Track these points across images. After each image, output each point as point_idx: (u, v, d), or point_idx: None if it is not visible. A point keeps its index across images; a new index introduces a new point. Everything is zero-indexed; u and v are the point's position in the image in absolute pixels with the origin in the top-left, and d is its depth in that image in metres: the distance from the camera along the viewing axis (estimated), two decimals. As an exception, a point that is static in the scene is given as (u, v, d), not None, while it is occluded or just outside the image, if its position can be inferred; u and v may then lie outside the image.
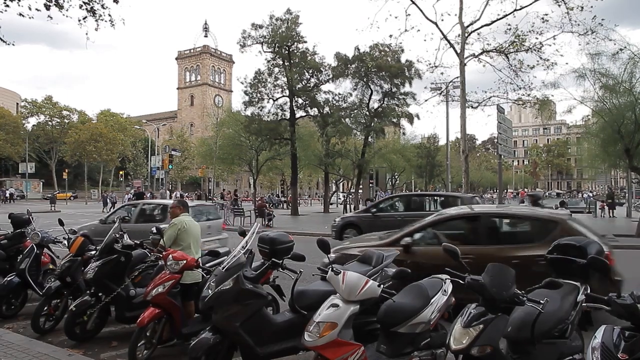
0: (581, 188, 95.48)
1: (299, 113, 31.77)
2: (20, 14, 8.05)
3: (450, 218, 6.70)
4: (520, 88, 17.26)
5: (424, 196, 14.94)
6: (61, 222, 6.67)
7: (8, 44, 8.42)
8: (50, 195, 40.63)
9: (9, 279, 6.12)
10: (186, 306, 4.91)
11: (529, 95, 17.86)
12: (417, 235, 6.37)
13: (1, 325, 5.69)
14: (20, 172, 58.24)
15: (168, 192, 28.33)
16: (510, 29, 16.30)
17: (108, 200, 32.80)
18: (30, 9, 8.25)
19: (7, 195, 44.14)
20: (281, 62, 30.35)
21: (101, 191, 42.16)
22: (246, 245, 4.30)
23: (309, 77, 30.66)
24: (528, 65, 16.88)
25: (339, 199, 43.60)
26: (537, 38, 16.18)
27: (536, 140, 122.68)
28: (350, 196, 29.01)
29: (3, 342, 4.88)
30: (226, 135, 38.09)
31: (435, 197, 14.36)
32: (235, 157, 37.14)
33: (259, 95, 30.47)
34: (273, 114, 30.98)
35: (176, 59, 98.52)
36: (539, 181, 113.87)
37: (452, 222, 6.72)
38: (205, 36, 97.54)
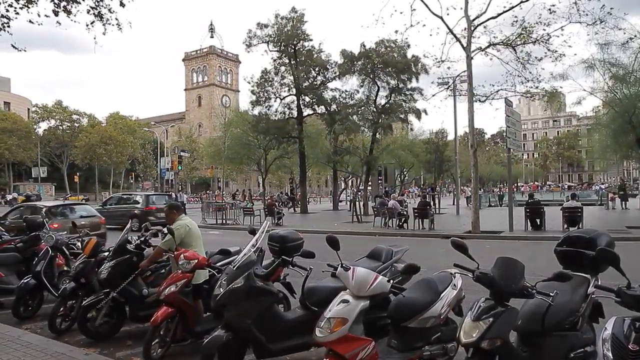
0: (593, 180, 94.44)
1: (306, 111, 31.81)
2: (30, 21, 8.17)
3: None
4: (528, 80, 17.05)
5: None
6: (74, 225, 6.77)
7: (20, 50, 8.53)
8: (62, 198, 41.14)
9: (25, 281, 6.26)
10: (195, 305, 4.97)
11: (537, 87, 17.67)
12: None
13: (19, 326, 5.81)
14: (33, 176, 58.95)
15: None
16: (516, 21, 16.13)
17: None
18: (39, 15, 8.37)
19: (9, 199, 44.15)
20: (287, 61, 30.38)
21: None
22: (256, 244, 4.35)
23: (315, 75, 30.65)
24: (536, 58, 16.69)
25: (348, 196, 43.58)
26: (544, 29, 15.99)
27: (546, 132, 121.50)
28: (360, 193, 28.93)
29: (22, 343, 4.99)
30: (234, 135, 38.24)
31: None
32: (244, 157, 37.29)
33: (266, 94, 30.55)
34: (280, 112, 31.04)
35: (183, 60, 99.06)
36: (550, 174, 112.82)
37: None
38: (211, 37, 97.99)
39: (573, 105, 70.26)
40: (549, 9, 15.46)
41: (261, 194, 37.40)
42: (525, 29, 16.11)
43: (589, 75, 23.32)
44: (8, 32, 8.26)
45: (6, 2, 8.14)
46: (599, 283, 3.50)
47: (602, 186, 51.17)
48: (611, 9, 15.48)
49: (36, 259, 6.49)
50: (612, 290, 2.81)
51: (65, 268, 6.95)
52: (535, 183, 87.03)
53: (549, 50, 16.18)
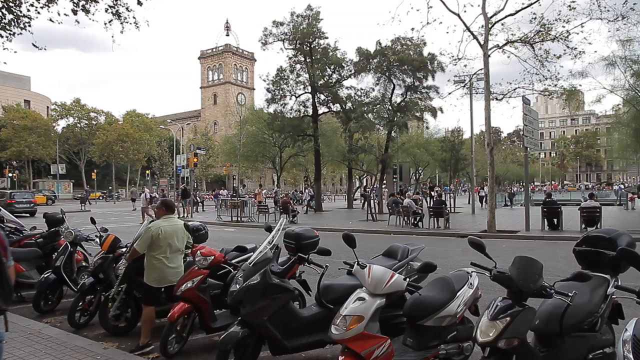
0: (612, 180, 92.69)
1: (322, 109, 31.79)
2: (51, 20, 8.34)
3: None
4: (546, 78, 16.78)
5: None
6: (93, 221, 6.89)
7: (40, 49, 8.71)
8: (80, 195, 41.90)
9: (45, 275, 6.39)
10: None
11: (555, 85, 17.38)
12: None
13: (40, 320, 5.94)
14: (52, 173, 60.05)
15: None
16: (535, 18, 15.88)
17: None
18: (59, 14, 8.54)
19: None
20: (303, 59, 30.38)
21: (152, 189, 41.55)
22: (272, 241, 4.37)
23: (330, 73, 30.60)
24: (554, 55, 16.41)
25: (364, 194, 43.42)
26: (563, 26, 15.70)
27: (564, 131, 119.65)
28: (374, 191, 28.82)
29: (42, 336, 5.10)
30: (249, 133, 38.47)
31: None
32: (259, 155, 37.47)
33: (281, 92, 30.60)
34: (296, 110, 31.08)
35: (199, 58, 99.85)
36: (567, 173, 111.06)
37: None
38: (227, 35, 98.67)
39: (592, 103, 68.46)
40: (569, 6, 15.18)
41: (276, 192, 37.43)
42: (544, 26, 15.85)
43: (609, 72, 22.88)
44: (29, 31, 8.44)
45: (27, 1, 8.30)
46: (619, 284, 3.44)
47: (622, 186, 50.16)
48: (634, 4, 15.14)
49: (56, 254, 6.63)
50: (634, 291, 2.76)
51: (84, 263, 7.11)
52: (554, 183, 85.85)
53: (568, 47, 15.91)
